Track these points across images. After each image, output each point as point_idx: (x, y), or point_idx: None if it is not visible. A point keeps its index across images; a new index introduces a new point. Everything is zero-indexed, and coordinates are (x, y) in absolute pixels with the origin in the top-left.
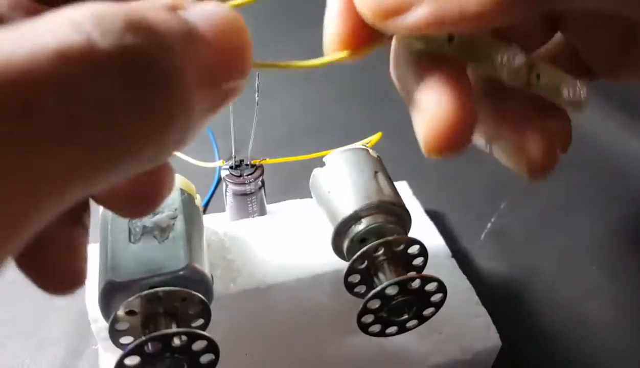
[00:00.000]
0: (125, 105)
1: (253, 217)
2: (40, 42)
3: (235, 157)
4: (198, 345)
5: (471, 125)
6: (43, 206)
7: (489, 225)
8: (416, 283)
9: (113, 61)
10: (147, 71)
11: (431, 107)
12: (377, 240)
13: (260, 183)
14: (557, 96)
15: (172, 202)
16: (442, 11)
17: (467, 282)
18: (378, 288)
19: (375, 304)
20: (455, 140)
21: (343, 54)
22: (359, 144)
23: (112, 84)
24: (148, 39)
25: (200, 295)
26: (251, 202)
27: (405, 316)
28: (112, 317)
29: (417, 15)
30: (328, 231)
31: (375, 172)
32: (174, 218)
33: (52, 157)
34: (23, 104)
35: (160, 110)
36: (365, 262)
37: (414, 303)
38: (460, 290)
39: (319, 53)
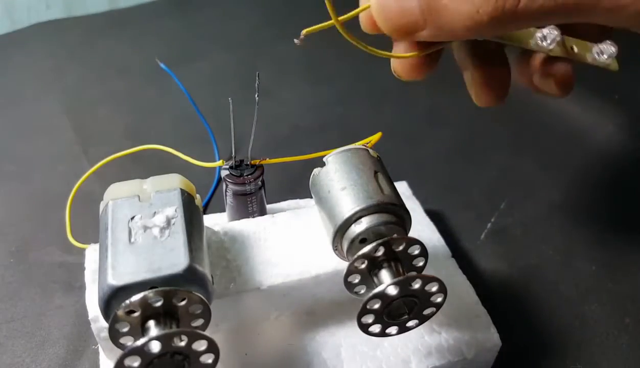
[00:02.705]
0: None
1: (253, 217)
2: None
3: (235, 157)
4: (198, 345)
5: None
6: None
7: (489, 225)
8: (416, 284)
9: None
10: None
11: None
12: (377, 240)
13: (260, 183)
14: (589, 60)
15: (172, 202)
16: (439, 33)
17: (467, 282)
18: (378, 289)
19: (375, 304)
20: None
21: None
22: (359, 144)
23: None
24: None
25: (200, 295)
26: (251, 202)
27: (406, 316)
28: (112, 317)
29: (423, 36)
30: (328, 231)
31: (375, 172)
32: (174, 218)
33: None
34: None
35: None
36: (366, 262)
37: (414, 303)
38: (460, 290)
39: (319, 53)
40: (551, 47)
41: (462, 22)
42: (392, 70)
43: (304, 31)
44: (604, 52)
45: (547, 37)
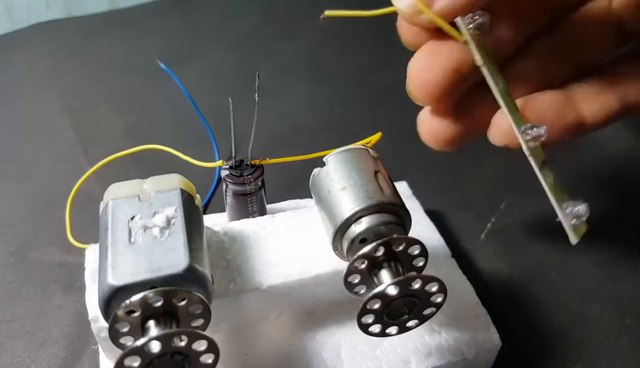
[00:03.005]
0: None
1: (253, 217)
2: None
3: (235, 157)
4: (198, 345)
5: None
6: None
7: (489, 225)
8: (416, 284)
9: None
10: None
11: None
12: (377, 240)
13: (260, 183)
14: (557, 203)
15: (172, 202)
16: None
17: (467, 282)
18: (378, 289)
19: (375, 304)
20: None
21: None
22: (359, 144)
23: None
24: None
25: (200, 295)
26: (251, 202)
27: (406, 316)
28: (112, 317)
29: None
30: (328, 231)
31: (375, 172)
32: (174, 218)
33: None
34: None
35: None
36: (366, 262)
37: (414, 303)
38: (460, 290)
39: (319, 53)
40: (534, 133)
41: None
42: (408, 92)
43: (325, 12)
44: (575, 209)
45: (533, 128)
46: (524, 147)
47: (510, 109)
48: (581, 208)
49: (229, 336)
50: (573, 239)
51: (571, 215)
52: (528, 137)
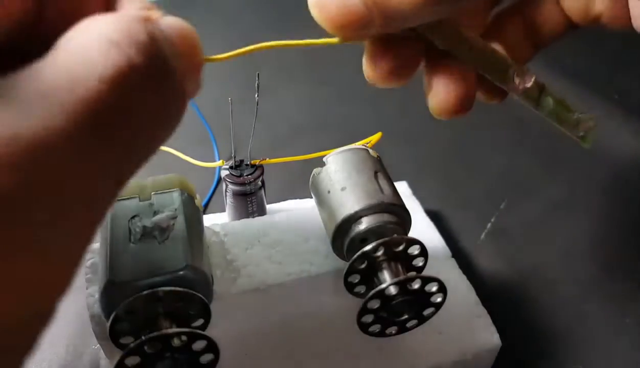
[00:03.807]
0: (153, 108)
1: (253, 217)
2: (84, 70)
3: (235, 157)
4: (198, 345)
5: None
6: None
7: (489, 225)
8: (416, 284)
9: (145, 73)
10: (169, 77)
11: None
12: (377, 240)
13: (260, 183)
14: (563, 124)
15: (172, 202)
16: (389, 22)
17: (467, 282)
18: (378, 288)
19: (375, 304)
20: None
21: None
22: (359, 144)
23: (146, 94)
24: (162, 49)
25: (200, 295)
26: (251, 202)
27: (405, 316)
28: (112, 316)
29: (374, 30)
30: (328, 231)
31: (375, 172)
32: (174, 218)
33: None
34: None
35: (176, 109)
36: (365, 262)
37: (414, 303)
38: (460, 290)
39: (319, 53)
40: (528, 85)
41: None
42: (366, 77)
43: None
44: (580, 123)
45: (523, 75)
46: (519, 99)
47: (493, 68)
48: (588, 123)
49: (229, 336)
50: (585, 146)
51: (577, 131)
52: (519, 87)
